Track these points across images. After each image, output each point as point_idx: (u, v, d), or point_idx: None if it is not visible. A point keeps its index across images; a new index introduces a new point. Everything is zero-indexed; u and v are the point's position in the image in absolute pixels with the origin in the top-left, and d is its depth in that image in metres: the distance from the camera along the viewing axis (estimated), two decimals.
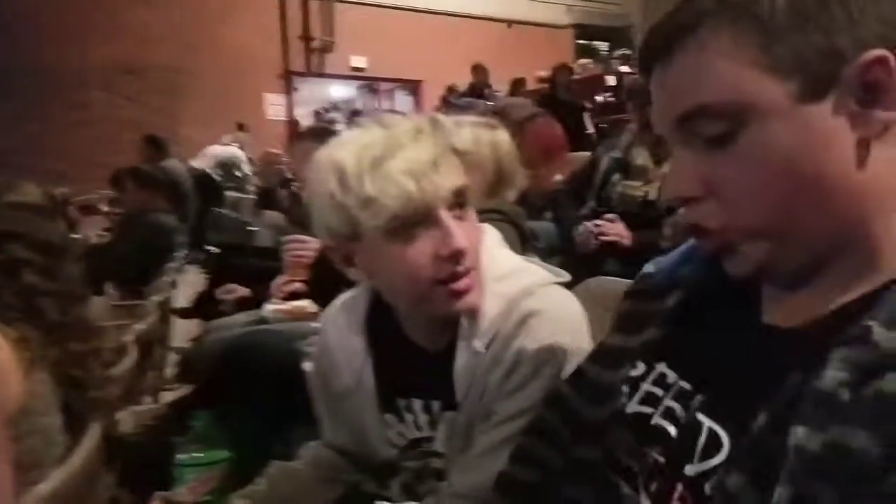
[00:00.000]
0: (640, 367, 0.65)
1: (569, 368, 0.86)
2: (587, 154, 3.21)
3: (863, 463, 0.43)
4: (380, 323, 1.01)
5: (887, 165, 0.51)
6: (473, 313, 0.91)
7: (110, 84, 9.67)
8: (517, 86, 6.74)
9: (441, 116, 1.77)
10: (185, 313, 3.41)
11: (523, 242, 1.73)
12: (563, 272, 1.01)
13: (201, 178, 6.88)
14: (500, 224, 1.63)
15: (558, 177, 2.47)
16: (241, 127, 9.70)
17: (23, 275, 1.14)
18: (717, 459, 0.53)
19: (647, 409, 0.62)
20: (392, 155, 0.82)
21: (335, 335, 1.04)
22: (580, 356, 0.82)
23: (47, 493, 1.02)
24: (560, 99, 6.22)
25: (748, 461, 0.50)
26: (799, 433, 0.46)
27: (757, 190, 0.52)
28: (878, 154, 0.51)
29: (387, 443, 1.01)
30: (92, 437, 1.18)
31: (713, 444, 0.54)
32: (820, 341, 0.49)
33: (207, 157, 8.23)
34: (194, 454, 1.02)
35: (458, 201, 0.87)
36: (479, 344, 0.90)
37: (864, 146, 0.51)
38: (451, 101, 8.25)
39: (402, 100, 12.19)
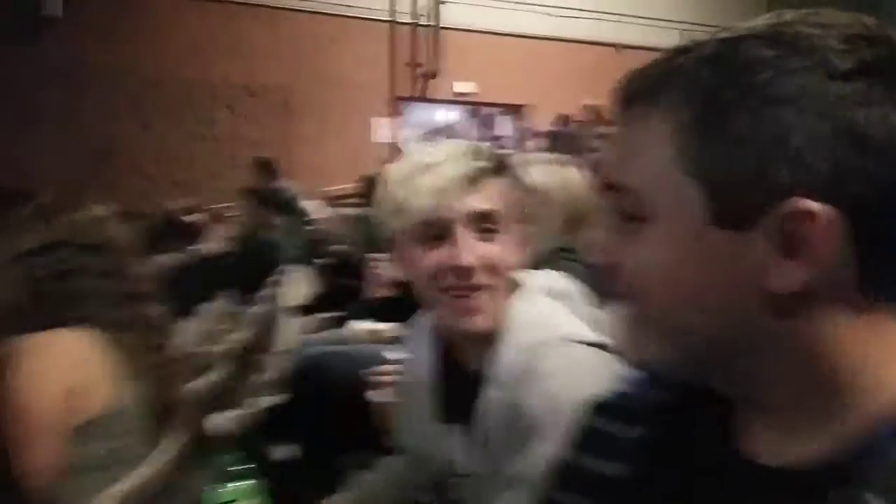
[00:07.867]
0: None
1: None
2: None
3: None
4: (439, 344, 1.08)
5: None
6: (495, 360, 0.93)
7: (233, 103, 10.42)
8: None
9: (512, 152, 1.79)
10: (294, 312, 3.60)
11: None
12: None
13: None
14: (572, 264, 1.63)
15: None
16: None
17: (78, 279, 1.22)
18: None
19: None
20: (427, 171, 0.92)
21: (416, 346, 1.12)
22: None
23: (129, 490, 1.14)
24: None
25: None
26: None
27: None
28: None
29: (442, 454, 1.03)
30: (178, 439, 1.28)
31: None
32: (814, 492, 0.43)
33: None
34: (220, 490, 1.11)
35: (484, 223, 0.93)
36: (494, 393, 0.93)
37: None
38: (558, 131, 8.19)
39: (504, 125, 12.24)
